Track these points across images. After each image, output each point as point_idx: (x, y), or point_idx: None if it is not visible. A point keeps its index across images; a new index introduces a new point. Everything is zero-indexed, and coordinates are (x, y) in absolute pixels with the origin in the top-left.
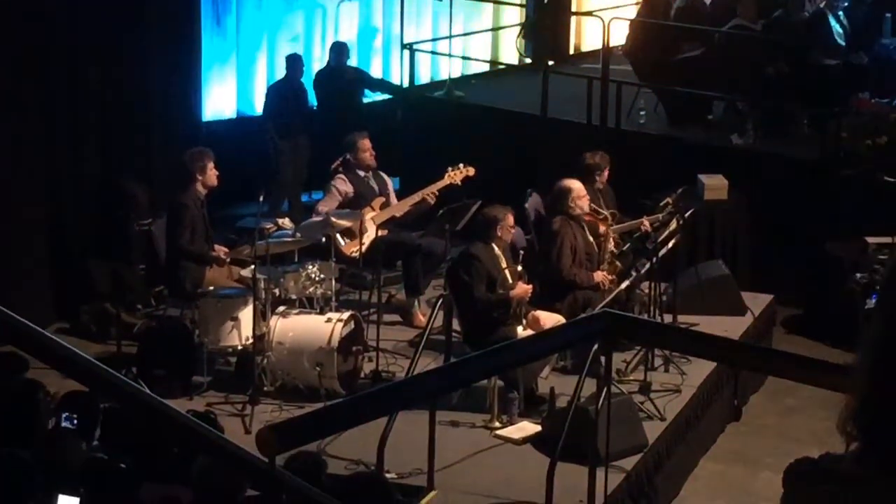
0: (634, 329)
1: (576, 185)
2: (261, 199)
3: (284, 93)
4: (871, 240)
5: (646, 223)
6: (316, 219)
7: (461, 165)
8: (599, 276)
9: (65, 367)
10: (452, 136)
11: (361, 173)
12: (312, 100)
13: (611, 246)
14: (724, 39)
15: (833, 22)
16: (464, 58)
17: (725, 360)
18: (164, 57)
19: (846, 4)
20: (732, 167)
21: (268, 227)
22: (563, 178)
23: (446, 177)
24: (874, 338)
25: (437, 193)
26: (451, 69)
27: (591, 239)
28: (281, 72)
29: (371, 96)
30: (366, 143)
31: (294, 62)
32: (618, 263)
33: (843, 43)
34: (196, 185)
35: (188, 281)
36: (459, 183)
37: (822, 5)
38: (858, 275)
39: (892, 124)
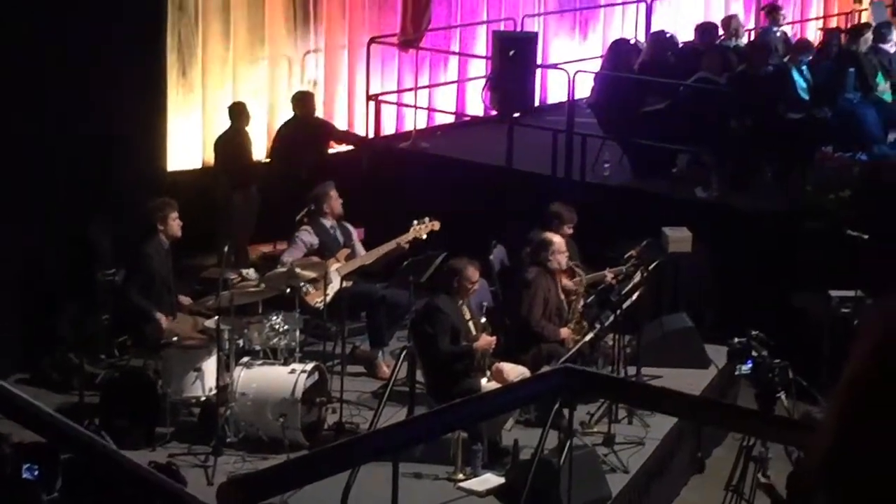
0: (592, 384)
1: (557, 239)
2: (225, 249)
3: (232, 143)
4: (834, 293)
5: (609, 275)
6: (280, 270)
7: (427, 219)
8: (566, 332)
9: (23, 419)
10: (417, 188)
11: (327, 224)
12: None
13: (580, 305)
14: (688, 93)
15: (797, 76)
16: (429, 109)
17: (682, 414)
18: (129, 106)
19: (810, 59)
20: (697, 220)
21: (231, 277)
22: (545, 231)
23: (412, 230)
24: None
25: (402, 246)
26: (416, 120)
27: (562, 296)
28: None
29: (336, 147)
30: (334, 193)
31: (238, 111)
32: (584, 323)
33: (807, 97)
34: (159, 236)
35: (152, 332)
36: (424, 237)
37: (785, 60)
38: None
39: (855, 178)
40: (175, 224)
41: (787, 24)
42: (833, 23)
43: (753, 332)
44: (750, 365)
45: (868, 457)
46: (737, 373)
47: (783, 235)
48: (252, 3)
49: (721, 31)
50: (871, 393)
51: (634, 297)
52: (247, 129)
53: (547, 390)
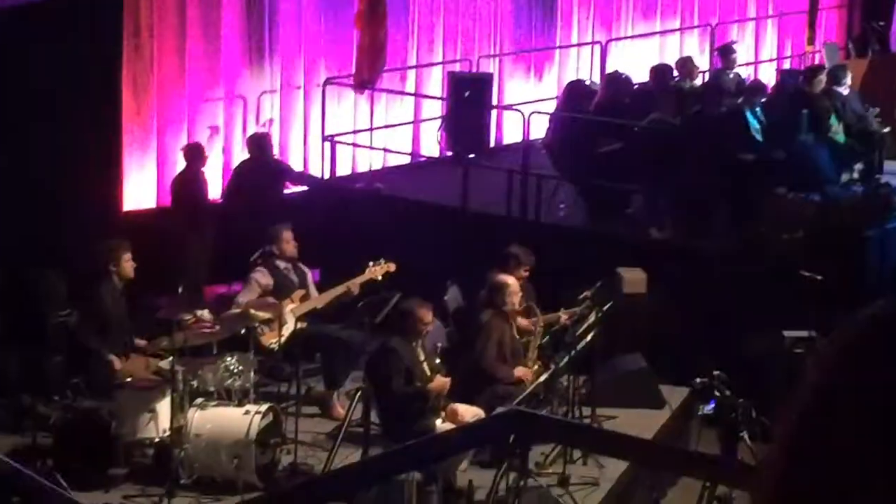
0: (542, 427)
1: (512, 281)
2: (180, 290)
3: (187, 185)
4: (788, 333)
5: (564, 317)
6: (235, 311)
7: (382, 260)
8: (521, 371)
9: None
10: (373, 228)
11: (282, 265)
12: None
13: (536, 346)
14: (643, 134)
15: (750, 118)
16: (385, 150)
17: (632, 458)
18: (84, 147)
19: (763, 100)
20: (652, 260)
21: (186, 318)
22: (498, 273)
23: (367, 271)
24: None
25: (357, 287)
26: (371, 161)
27: (517, 336)
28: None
29: (293, 188)
30: (289, 234)
31: (193, 152)
32: (540, 364)
33: (761, 138)
34: (112, 277)
35: (105, 373)
36: (380, 278)
37: (739, 101)
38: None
39: (809, 219)
40: (128, 265)
41: (741, 65)
42: (787, 65)
43: (715, 372)
44: (713, 405)
45: (810, 497)
46: (699, 412)
47: (737, 276)
48: (207, 44)
49: (676, 73)
50: (812, 434)
51: (589, 337)
52: (202, 169)
53: (499, 432)
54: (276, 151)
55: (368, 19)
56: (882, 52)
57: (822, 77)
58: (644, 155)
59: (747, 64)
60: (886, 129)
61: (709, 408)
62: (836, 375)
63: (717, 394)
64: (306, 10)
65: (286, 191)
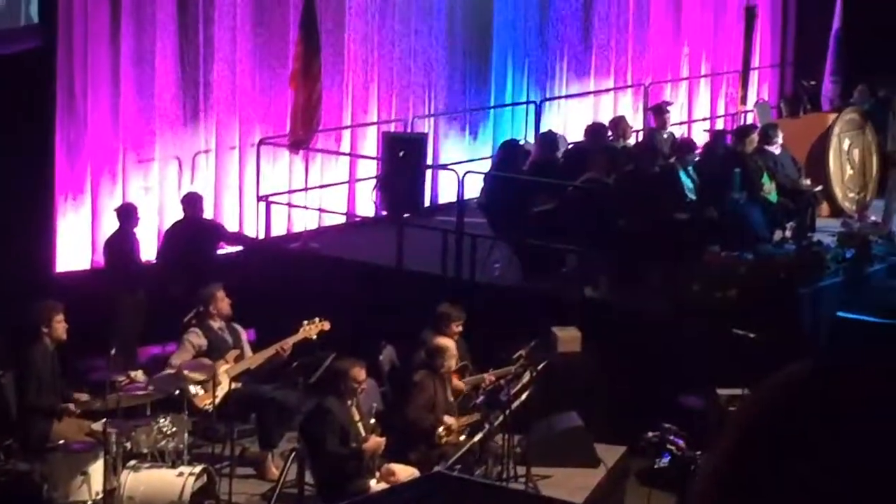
0: (466, 490)
1: (447, 342)
2: (113, 351)
3: (120, 245)
4: (721, 391)
5: (490, 378)
6: (168, 371)
7: (316, 320)
8: (450, 419)
9: None
10: (308, 288)
11: (215, 325)
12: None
13: (471, 405)
14: (577, 193)
15: (683, 176)
16: (320, 210)
17: None
18: (17, 207)
19: (696, 159)
20: (586, 319)
21: (119, 380)
22: (433, 334)
23: (301, 331)
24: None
25: (291, 347)
26: (306, 221)
27: (451, 399)
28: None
29: (227, 248)
30: (222, 293)
31: (127, 213)
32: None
33: (694, 197)
34: (44, 339)
35: (37, 435)
36: (314, 337)
37: (672, 160)
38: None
39: (741, 277)
40: (60, 327)
41: (675, 124)
42: (720, 124)
43: (666, 425)
44: (667, 458)
45: None
46: (655, 466)
47: (671, 334)
48: (141, 104)
49: (609, 132)
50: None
51: (524, 396)
52: (135, 230)
53: (425, 494)
54: (210, 212)
55: (303, 79)
56: (813, 111)
57: (755, 136)
58: (578, 214)
59: (681, 123)
60: (818, 188)
61: (664, 461)
62: (752, 437)
63: (670, 447)
64: (241, 70)
65: (220, 251)
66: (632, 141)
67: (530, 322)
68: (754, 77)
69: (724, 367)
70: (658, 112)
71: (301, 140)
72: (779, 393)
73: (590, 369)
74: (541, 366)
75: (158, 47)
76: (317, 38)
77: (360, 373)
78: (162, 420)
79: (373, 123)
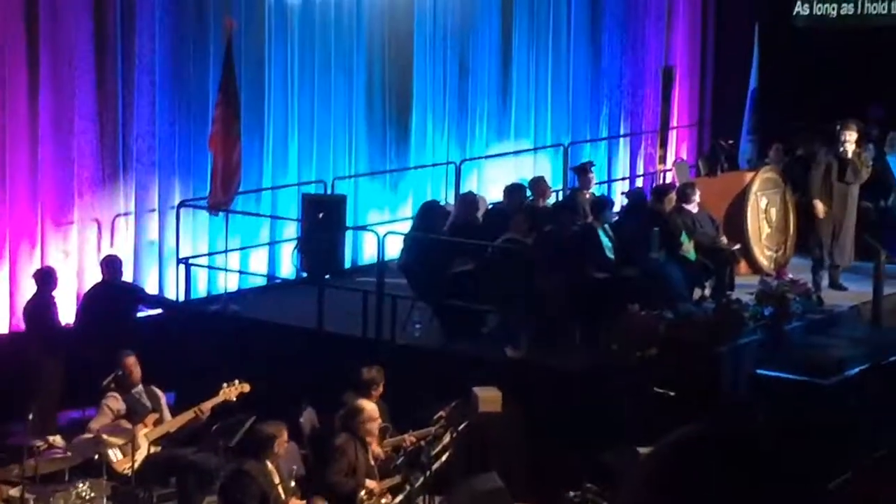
0: None
1: (367, 405)
2: (31, 416)
3: (40, 309)
4: (642, 450)
5: (411, 438)
6: (87, 436)
7: (236, 382)
8: (371, 483)
9: None
10: (228, 351)
11: (134, 389)
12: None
13: (392, 467)
14: (496, 253)
15: (602, 236)
16: (240, 272)
17: None
18: None
19: (615, 219)
20: (507, 379)
21: (38, 444)
22: (354, 396)
23: (221, 393)
24: None
25: (211, 409)
26: (227, 283)
27: (372, 462)
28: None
29: (146, 311)
30: (130, 361)
31: (45, 276)
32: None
33: (613, 256)
34: None
35: None
36: (234, 399)
37: (591, 220)
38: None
39: (661, 336)
40: None
41: (595, 184)
42: (639, 183)
43: (588, 485)
44: None
45: None
46: None
47: (591, 393)
48: (61, 166)
49: (529, 192)
50: None
51: (444, 458)
52: (54, 294)
53: None
54: (130, 275)
55: (223, 141)
56: (731, 169)
57: (673, 195)
58: (498, 274)
59: (600, 183)
60: (736, 247)
61: None
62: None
63: None
64: (160, 132)
65: (140, 314)
66: (551, 201)
67: (451, 383)
68: (673, 136)
69: (645, 426)
70: (581, 172)
71: (221, 202)
72: (670, 453)
73: (511, 429)
74: (461, 426)
75: (77, 109)
76: (236, 100)
77: (281, 436)
78: (81, 485)
79: (293, 185)
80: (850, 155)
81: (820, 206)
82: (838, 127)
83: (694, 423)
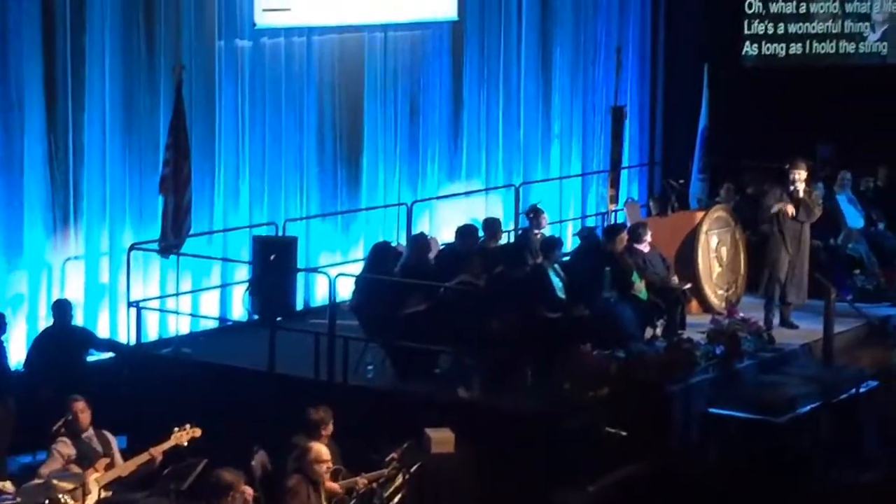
0: None
1: (318, 447)
2: None
3: None
4: (594, 489)
5: (364, 480)
6: (37, 481)
7: (187, 426)
8: None
9: None
10: (180, 394)
11: (85, 434)
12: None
13: None
14: (449, 294)
15: (553, 276)
16: (192, 315)
17: None
18: None
19: (566, 259)
20: (459, 421)
21: None
22: (305, 438)
23: (172, 437)
24: None
25: (162, 453)
26: (178, 326)
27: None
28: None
29: (98, 354)
30: (79, 406)
31: None
32: None
33: (564, 296)
34: None
35: None
36: (185, 443)
37: (541, 260)
38: None
39: (613, 376)
40: None
41: (547, 224)
42: (590, 223)
43: None
44: None
45: None
46: None
47: (544, 434)
48: (11, 210)
49: (481, 233)
50: None
51: (397, 499)
52: (3, 338)
53: None
54: (80, 319)
55: (173, 183)
56: (682, 209)
57: (624, 235)
58: (451, 315)
59: (552, 223)
60: (687, 286)
61: None
62: None
63: None
64: (111, 175)
65: (91, 358)
66: (504, 242)
67: (403, 424)
68: (624, 176)
69: (597, 465)
70: (530, 213)
71: (172, 244)
72: (613, 492)
73: (463, 470)
74: (414, 468)
75: (27, 153)
76: (187, 143)
77: (233, 480)
78: None
79: (244, 227)
80: (801, 194)
81: (790, 207)
82: (787, 166)
83: (638, 463)
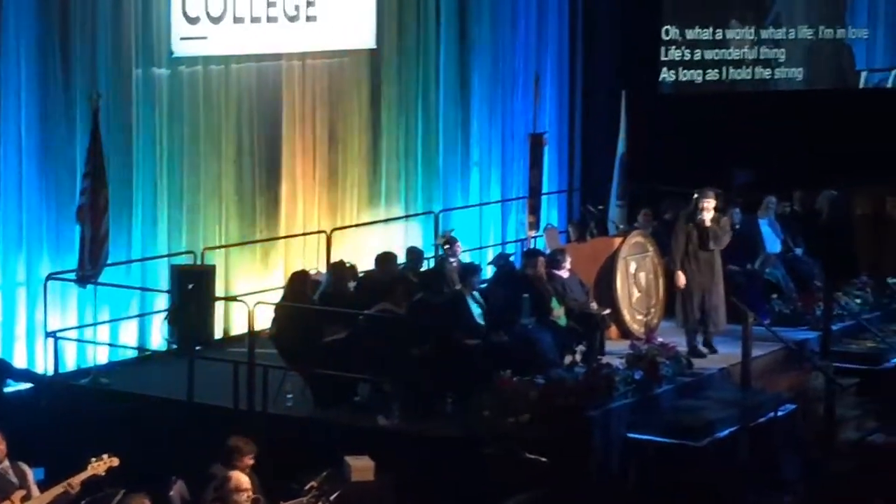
0: None
1: (237, 476)
2: None
3: None
4: None
5: None
6: None
7: (105, 456)
8: None
9: None
10: (98, 425)
11: None
12: None
13: None
14: (368, 322)
15: (472, 302)
16: (110, 345)
17: None
18: None
19: (484, 285)
20: (379, 448)
21: None
22: (223, 468)
23: (90, 467)
24: None
25: (80, 484)
26: (96, 357)
27: None
28: None
29: (14, 385)
30: None
31: None
32: None
33: (483, 323)
34: None
35: None
36: (103, 473)
37: (460, 287)
38: None
39: (533, 402)
40: None
41: (465, 251)
42: (510, 249)
43: None
44: None
45: None
46: None
47: (464, 461)
48: None
49: (401, 261)
50: None
51: None
52: None
53: None
54: None
55: (91, 212)
56: (600, 235)
57: (543, 261)
58: (370, 343)
59: (472, 250)
60: (606, 311)
61: None
62: None
63: None
64: (27, 204)
65: (8, 388)
66: (423, 269)
67: (323, 452)
68: (543, 202)
69: (518, 491)
70: (447, 241)
71: (90, 274)
72: None
73: (383, 498)
74: (334, 496)
75: None
76: (104, 171)
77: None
78: None
79: (162, 256)
80: (707, 223)
81: (681, 277)
82: (696, 196)
83: (557, 487)
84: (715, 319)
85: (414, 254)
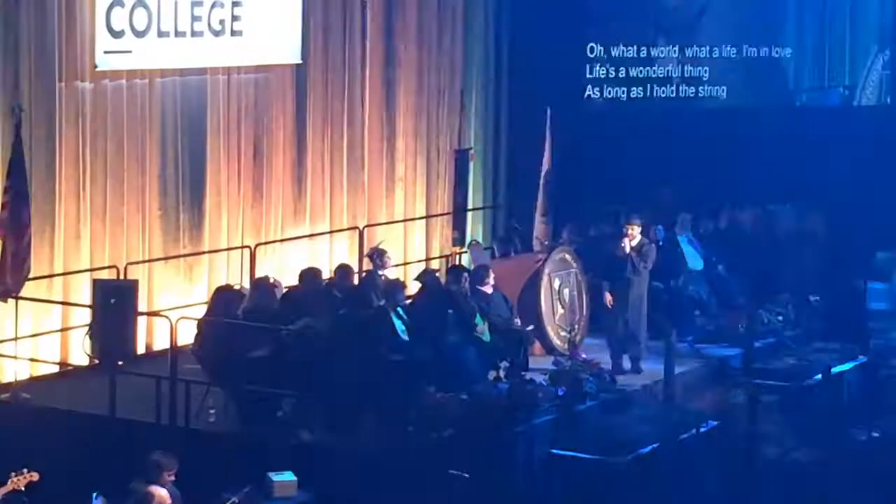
0: None
1: (159, 492)
2: None
3: None
4: None
5: None
6: None
7: (25, 471)
8: None
9: None
10: (19, 440)
11: None
12: None
13: None
14: (292, 338)
15: (395, 319)
16: (31, 360)
17: None
18: None
19: (409, 301)
20: (302, 464)
21: None
22: (145, 484)
23: (9, 482)
24: None
25: None
26: (17, 372)
27: None
28: None
29: None
30: None
31: None
32: None
33: (407, 338)
34: None
35: None
36: (23, 488)
37: (383, 303)
38: None
39: (456, 417)
40: None
41: (392, 266)
42: (435, 265)
43: None
44: None
45: None
46: None
47: (387, 476)
48: None
49: (326, 277)
50: None
51: None
52: None
53: None
54: None
55: (12, 227)
56: (524, 251)
57: (467, 277)
58: (294, 359)
59: (396, 265)
60: (530, 327)
61: None
62: None
63: None
64: None
65: None
66: (348, 284)
67: (245, 468)
68: (468, 218)
69: None
70: (375, 255)
71: (10, 288)
72: None
73: None
74: None
75: None
76: (26, 185)
77: None
78: None
79: (85, 270)
80: (628, 250)
81: (609, 298)
82: (623, 222)
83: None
84: (637, 338)
85: (342, 269)
